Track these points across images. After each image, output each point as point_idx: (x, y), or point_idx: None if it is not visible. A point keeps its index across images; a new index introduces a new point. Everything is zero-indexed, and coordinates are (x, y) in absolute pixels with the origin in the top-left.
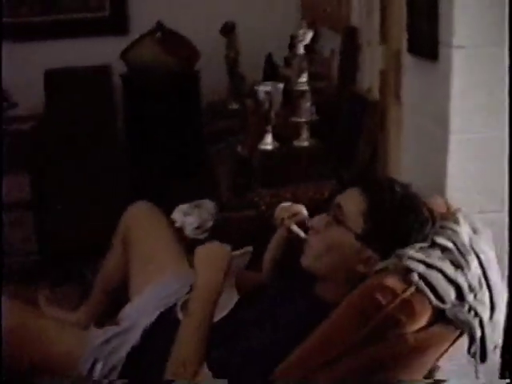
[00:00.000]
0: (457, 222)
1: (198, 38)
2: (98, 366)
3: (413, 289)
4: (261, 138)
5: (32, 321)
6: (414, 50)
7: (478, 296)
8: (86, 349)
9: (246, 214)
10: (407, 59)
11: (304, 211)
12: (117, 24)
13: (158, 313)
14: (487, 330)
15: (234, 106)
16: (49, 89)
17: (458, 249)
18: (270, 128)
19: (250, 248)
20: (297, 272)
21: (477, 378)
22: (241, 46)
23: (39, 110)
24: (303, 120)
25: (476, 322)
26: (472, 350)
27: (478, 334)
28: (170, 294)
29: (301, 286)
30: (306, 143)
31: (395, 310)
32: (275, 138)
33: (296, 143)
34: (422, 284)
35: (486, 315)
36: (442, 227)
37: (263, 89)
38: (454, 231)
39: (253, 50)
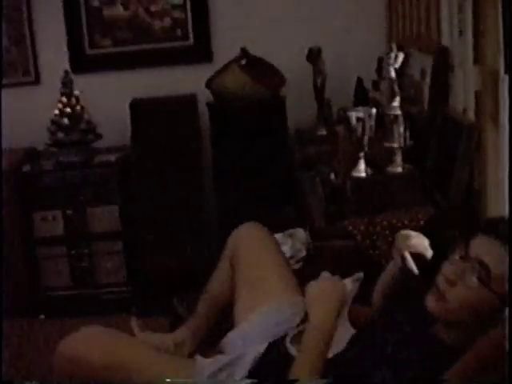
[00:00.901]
0: None
1: (284, 64)
2: None
3: None
4: (353, 164)
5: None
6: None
7: None
8: (193, 378)
9: (341, 244)
10: (504, 79)
11: (425, 243)
12: (201, 52)
13: (266, 343)
14: None
15: (323, 132)
16: (135, 119)
17: None
18: (362, 155)
19: (361, 274)
20: (410, 307)
21: None
22: (327, 71)
23: (125, 141)
24: (396, 145)
25: None
26: None
27: None
28: (279, 323)
29: (417, 324)
30: (399, 169)
31: None
32: (368, 164)
33: (390, 169)
34: None
35: None
36: None
37: (356, 114)
38: None
39: (339, 75)
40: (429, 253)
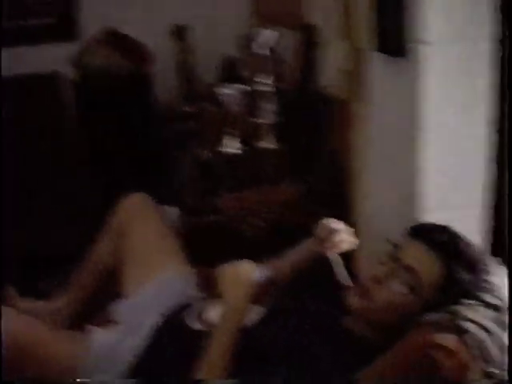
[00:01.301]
0: (489, 271)
1: (151, 41)
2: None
3: (466, 351)
4: (223, 141)
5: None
6: (379, 47)
7: None
8: (89, 352)
9: (211, 220)
10: (372, 56)
11: (352, 241)
12: (65, 29)
13: (161, 315)
14: None
15: (191, 108)
16: None
17: (503, 306)
18: (232, 131)
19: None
20: (326, 298)
21: None
22: (193, 48)
23: None
24: (266, 122)
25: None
26: None
27: None
28: (172, 295)
29: (332, 316)
30: (269, 145)
31: (453, 371)
32: (237, 140)
33: (259, 145)
34: (477, 350)
35: None
36: (484, 281)
37: (225, 91)
38: (492, 284)
39: (207, 51)
40: (352, 246)
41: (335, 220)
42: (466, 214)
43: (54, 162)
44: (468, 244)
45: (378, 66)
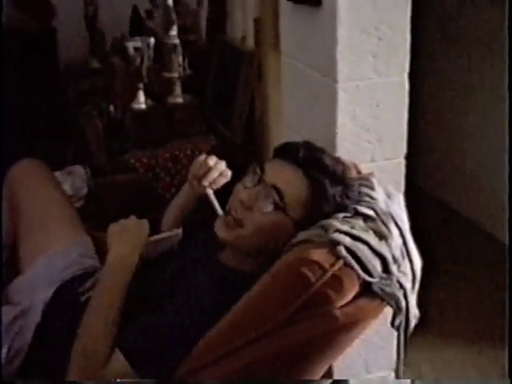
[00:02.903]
0: (372, 187)
1: None
2: (4, 351)
3: (341, 263)
4: (131, 96)
5: None
6: None
7: (402, 267)
8: None
9: (123, 178)
10: (286, 5)
11: (227, 173)
12: None
13: (54, 288)
14: (410, 301)
15: (96, 64)
16: None
17: (379, 217)
18: (141, 86)
19: (179, 230)
20: (200, 235)
21: (399, 350)
22: (99, 0)
23: None
24: (175, 75)
25: (401, 294)
26: (396, 323)
27: (403, 305)
28: (67, 266)
29: (205, 251)
30: (179, 99)
31: (324, 286)
32: (147, 95)
33: (169, 100)
34: (349, 258)
35: (408, 286)
36: (358, 193)
37: (133, 44)
38: (372, 198)
39: (112, 4)
40: (228, 178)
41: (209, 156)
42: (385, 166)
43: None
44: (333, 157)
45: (291, 16)
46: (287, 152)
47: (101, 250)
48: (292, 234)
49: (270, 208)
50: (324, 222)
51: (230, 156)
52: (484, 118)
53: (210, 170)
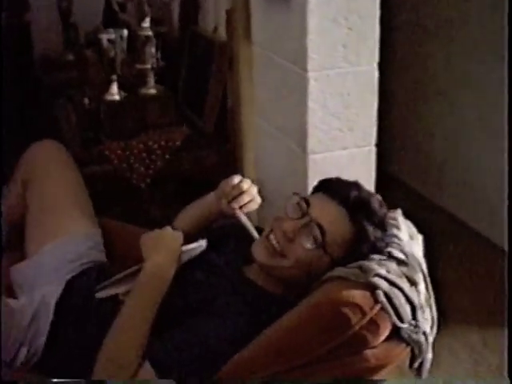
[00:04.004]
0: (399, 227)
1: None
2: (23, 351)
3: (378, 307)
4: (105, 88)
5: None
6: None
7: (425, 313)
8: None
9: (98, 169)
10: None
11: (258, 199)
12: None
13: (63, 281)
14: (429, 346)
15: (70, 57)
16: None
17: (410, 262)
18: (115, 77)
19: (203, 242)
20: (223, 247)
21: None
22: None
23: None
24: (148, 67)
25: (423, 339)
26: (415, 365)
27: (424, 350)
28: (75, 258)
29: (229, 263)
30: (152, 91)
31: (363, 328)
32: (120, 87)
33: (143, 91)
34: (387, 304)
35: (428, 331)
36: (388, 235)
37: (107, 37)
38: (399, 239)
39: None
40: (258, 204)
41: (242, 178)
42: (356, 154)
43: None
44: (379, 201)
45: (262, 6)
46: (336, 190)
47: (110, 241)
48: (327, 269)
49: (312, 245)
50: (362, 263)
51: (202, 146)
52: (451, 104)
53: (242, 193)
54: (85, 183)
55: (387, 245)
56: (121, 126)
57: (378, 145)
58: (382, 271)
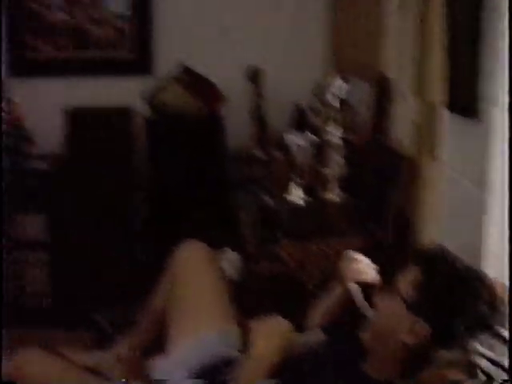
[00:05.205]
0: (504, 304)
1: (224, 82)
2: None
3: None
4: (289, 189)
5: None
6: (452, 105)
7: None
8: None
9: (271, 268)
10: (445, 114)
11: (373, 274)
12: (141, 64)
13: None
14: None
15: (259, 154)
16: (68, 127)
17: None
18: (299, 180)
19: (319, 331)
20: (343, 337)
21: None
22: (266, 92)
23: (58, 150)
24: (333, 173)
25: None
26: None
27: None
28: (209, 353)
29: (350, 358)
30: (334, 197)
31: None
32: (304, 190)
33: (325, 196)
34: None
35: None
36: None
37: (296, 142)
38: (505, 316)
39: (278, 97)
40: (375, 279)
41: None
42: None
43: (118, 195)
44: (487, 278)
45: (449, 124)
46: (423, 259)
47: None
48: (408, 319)
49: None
50: (467, 343)
51: (380, 256)
52: None
53: (355, 261)
54: (258, 279)
55: (494, 322)
56: (299, 228)
57: None
58: (486, 351)
